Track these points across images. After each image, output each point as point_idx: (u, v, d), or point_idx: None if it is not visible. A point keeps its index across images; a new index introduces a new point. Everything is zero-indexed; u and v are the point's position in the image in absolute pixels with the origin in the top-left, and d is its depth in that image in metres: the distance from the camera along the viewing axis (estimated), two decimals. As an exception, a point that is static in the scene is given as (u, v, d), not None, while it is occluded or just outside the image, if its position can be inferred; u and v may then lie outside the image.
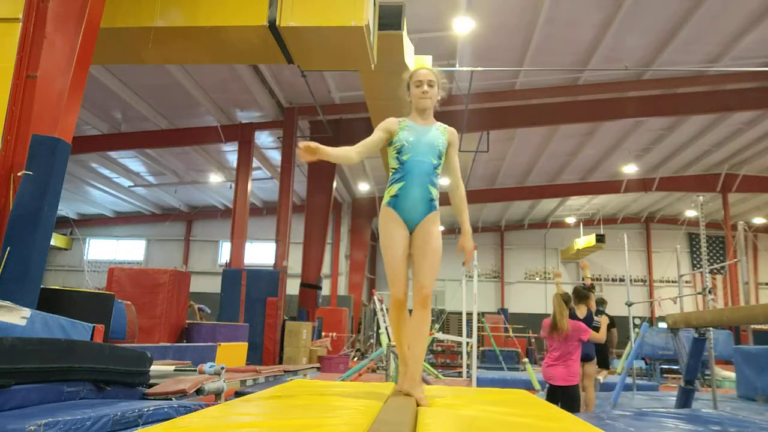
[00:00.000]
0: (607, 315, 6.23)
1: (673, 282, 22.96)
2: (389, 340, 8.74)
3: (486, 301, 24.22)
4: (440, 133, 2.97)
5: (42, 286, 4.43)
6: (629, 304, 9.35)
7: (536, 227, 25.81)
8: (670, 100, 13.32)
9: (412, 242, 2.88)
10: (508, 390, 3.43)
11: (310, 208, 14.81)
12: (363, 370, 9.26)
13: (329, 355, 13.16)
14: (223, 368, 4.81)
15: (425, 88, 2.95)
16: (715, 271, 20.45)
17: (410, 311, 2.92)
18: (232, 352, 8.45)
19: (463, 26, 10.09)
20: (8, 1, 4.81)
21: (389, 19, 7.65)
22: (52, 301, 4.54)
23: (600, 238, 21.00)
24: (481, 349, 14.79)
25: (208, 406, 3.42)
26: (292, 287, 14.26)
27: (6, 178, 4.45)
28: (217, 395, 4.66)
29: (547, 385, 5.05)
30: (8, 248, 4.15)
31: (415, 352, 2.83)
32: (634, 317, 10.70)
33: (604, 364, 7.32)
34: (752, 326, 12.31)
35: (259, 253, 22.83)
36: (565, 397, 4.80)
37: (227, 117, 14.46)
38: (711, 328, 5.64)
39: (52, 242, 10.69)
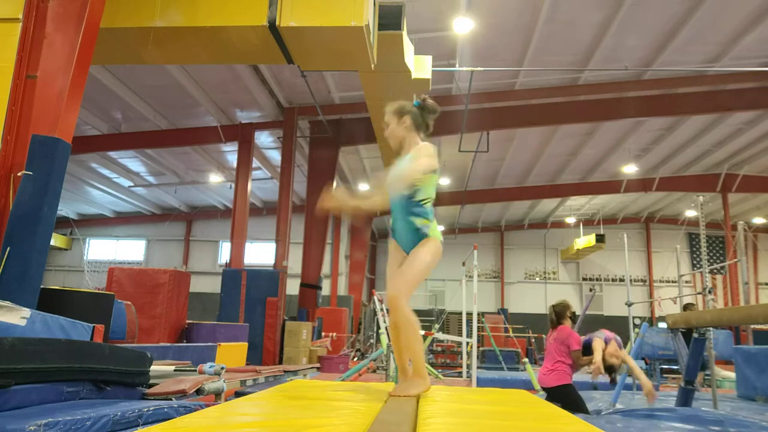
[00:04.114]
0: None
1: (673, 282, 22.97)
2: (389, 340, 8.74)
3: (486, 301, 24.22)
4: (407, 159, 2.99)
5: (42, 286, 4.43)
6: (629, 304, 9.35)
7: (536, 227, 25.81)
8: (670, 100, 13.31)
9: None
10: (508, 390, 3.43)
11: (310, 208, 14.80)
12: (363, 370, 9.26)
13: (329, 355, 13.15)
14: (223, 368, 4.81)
15: (385, 132, 3.10)
16: (715, 271, 20.45)
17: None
18: (232, 352, 8.45)
19: (463, 26, 10.09)
20: (8, 1, 4.81)
21: (389, 19, 7.66)
22: (52, 301, 4.54)
23: (600, 238, 21.02)
24: (481, 349, 14.78)
25: (208, 406, 3.42)
26: (292, 287, 14.25)
27: (6, 178, 4.45)
28: (217, 395, 4.65)
29: (543, 392, 5.04)
30: (8, 248, 4.15)
31: (408, 351, 2.93)
32: (634, 317, 10.70)
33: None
34: (752, 326, 12.31)
35: (259, 253, 22.83)
36: (557, 399, 4.79)
37: (227, 117, 14.46)
38: (711, 328, 5.63)
39: (52, 242, 10.69)
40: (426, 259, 2.90)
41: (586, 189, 20.05)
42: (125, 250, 25.38)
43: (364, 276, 22.69)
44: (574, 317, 5.12)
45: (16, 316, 3.62)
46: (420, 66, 9.15)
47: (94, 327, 4.29)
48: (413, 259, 2.90)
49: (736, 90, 12.88)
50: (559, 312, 4.96)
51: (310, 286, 14.43)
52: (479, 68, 10.68)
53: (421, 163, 2.89)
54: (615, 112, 13.68)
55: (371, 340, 16.20)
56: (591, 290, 21.40)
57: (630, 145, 16.22)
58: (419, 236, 2.91)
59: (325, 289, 20.69)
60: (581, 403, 4.90)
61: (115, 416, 3.03)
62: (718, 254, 23.60)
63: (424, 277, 2.96)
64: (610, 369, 4.86)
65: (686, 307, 8.91)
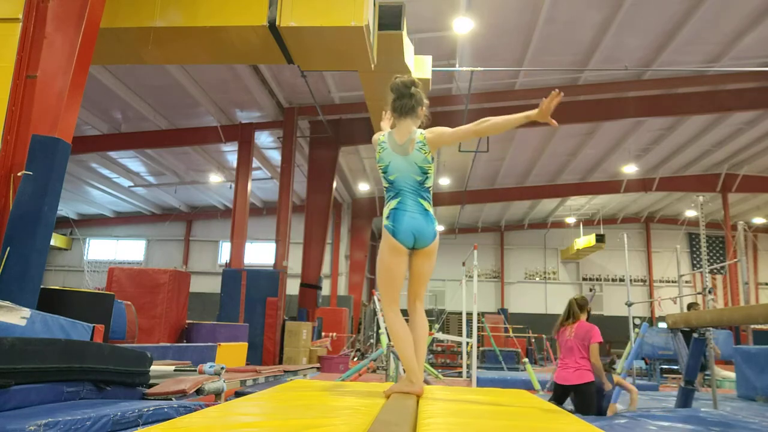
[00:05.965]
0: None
1: (673, 282, 22.96)
2: (389, 340, 8.74)
3: (486, 301, 24.23)
4: None
5: (42, 286, 4.43)
6: (629, 304, 9.36)
7: (536, 227, 25.81)
8: (670, 100, 13.31)
9: None
10: (507, 390, 3.43)
11: (310, 208, 14.81)
12: (363, 370, 9.26)
13: (329, 355, 13.15)
14: (223, 368, 4.81)
15: None
16: (715, 271, 20.45)
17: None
18: (232, 352, 8.45)
19: (463, 26, 10.09)
20: (8, 1, 4.81)
21: (389, 19, 7.65)
22: (52, 301, 4.54)
23: (600, 238, 21.02)
24: (481, 349, 14.78)
25: (208, 406, 3.42)
26: (292, 287, 14.25)
27: (6, 178, 4.45)
28: (217, 395, 4.65)
29: (554, 385, 5.03)
30: (8, 248, 4.15)
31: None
32: (634, 317, 10.71)
33: None
34: (752, 326, 12.32)
35: (259, 253, 22.83)
36: (579, 396, 4.80)
37: (227, 117, 14.46)
38: (711, 328, 5.64)
39: (52, 242, 10.69)
40: (378, 258, 3.01)
41: (586, 189, 20.05)
42: (125, 250, 25.38)
43: (364, 276, 22.68)
44: (590, 313, 5.26)
45: (16, 316, 3.62)
46: (420, 66, 9.14)
47: (94, 327, 4.29)
48: None
49: (736, 90, 12.88)
50: (582, 305, 5.12)
51: (310, 286, 14.43)
52: (479, 68, 10.67)
53: None
54: (615, 112, 13.68)
55: (371, 340, 16.20)
56: (591, 290, 21.42)
57: (630, 145, 16.22)
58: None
59: (325, 289, 20.69)
60: (599, 401, 4.93)
61: (115, 416, 3.03)
62: (718, 254, 23.60)
63: (384, 274, 2.94)
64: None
65: (690, 307, 8.90)
